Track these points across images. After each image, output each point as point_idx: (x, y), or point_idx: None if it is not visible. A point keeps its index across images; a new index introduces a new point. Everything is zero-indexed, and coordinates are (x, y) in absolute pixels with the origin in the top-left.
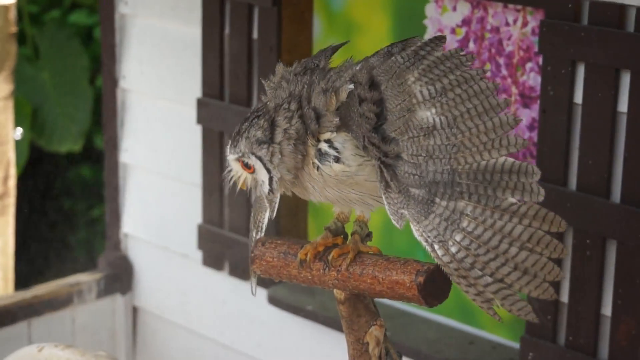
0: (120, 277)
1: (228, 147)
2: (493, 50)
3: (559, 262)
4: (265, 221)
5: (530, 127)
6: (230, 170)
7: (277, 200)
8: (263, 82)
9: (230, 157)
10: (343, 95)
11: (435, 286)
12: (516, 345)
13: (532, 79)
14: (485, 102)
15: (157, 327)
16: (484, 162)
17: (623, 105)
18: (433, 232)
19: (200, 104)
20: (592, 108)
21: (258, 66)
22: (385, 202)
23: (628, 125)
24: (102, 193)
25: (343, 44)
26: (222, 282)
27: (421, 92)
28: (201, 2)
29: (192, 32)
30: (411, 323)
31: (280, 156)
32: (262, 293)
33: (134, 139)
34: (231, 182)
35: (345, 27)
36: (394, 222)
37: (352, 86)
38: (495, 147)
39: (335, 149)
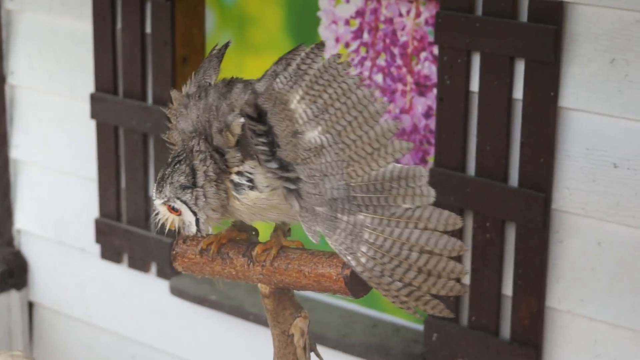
0: (15, 273)
1: (154, 191)
2: (387, 41)
3: (459, 258)
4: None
5: (426, 115)
6: (157, 213)
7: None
8: (163, 110)
9: (157, 201)
10: (237, 130)
11: (360, 277)
12: (419, 327)
13: (427, 67)
14: (364, 111)
15: (54, 322)
16: (374, 172)
17: (518, 93)
18: (343, 245)
19: (93, 98)
20: (489, 96)
21: (152, 60)
22: (300, 221)
23: (524, 111)
24: None
25: (225, 46)
26: (121, 275)
27: (305, 112)
28: None
29: (83, 27)
30: (315, 308)
31: (204, 199)
32: (164, 284)
33: (25, 135)
34: (159, 224)
35: (238, 20)
36: (311, 238)
37: (242, 120)
38: (382, 155)
39: (246, 177)
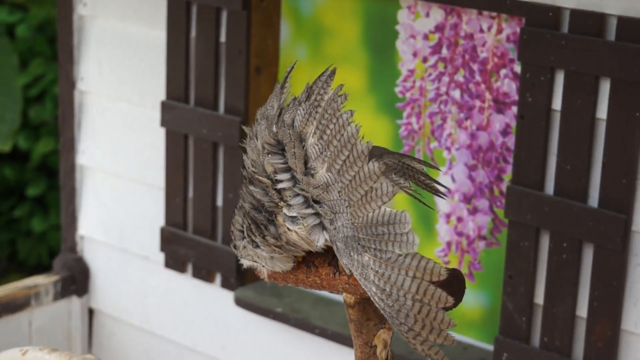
0: (76, 280)
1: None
2: (467, 57)
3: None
4: None
5: (504, 133)
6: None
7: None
8: (235, 119)
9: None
10: (269, 169)
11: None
12: (488, 346)
13: (507, 85)
14: (353, 150)
15: (114, 330)
16: (370, 214)
17: (602, 112)
18: (361, 281)
19: (164, 106)
20: (571, 114)
21: (225, 69)
22: (335, 251)
23: (607, 131)
24: (24, 193)
25: (290, 70)
26: (184, 284)
27: (315, 147)
28: (166, 5)
29: (156, 35)
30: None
31: (253, 248)
32: (229, 295)
33: (92, 140)
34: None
35: (313, 32)
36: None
37: (270, 157)
38: (372, 198)
39: (297, 208)
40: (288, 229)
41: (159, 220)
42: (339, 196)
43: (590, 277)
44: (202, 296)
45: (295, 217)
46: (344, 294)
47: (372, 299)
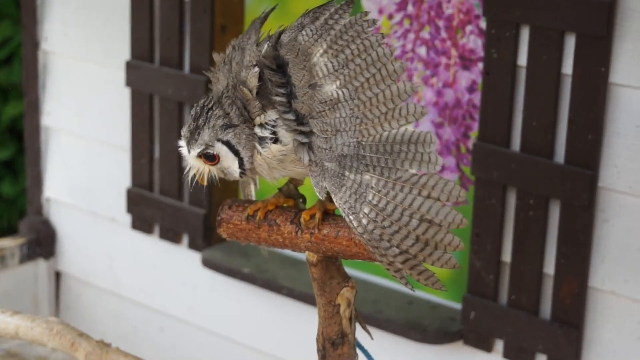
0: (43, 242)
1: (185, 146)
2: (432, 13)
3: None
4: (253, 193)
5: (470, 89)
6: (189, 169)
7: (256, 177)
8: (206, 73)
9: (192, 153)
10: (253, 81)
11: None
12: (456, 305)
13: (472, 41)
14: (383, 69)
15: (81, 292)
16: (385, 133)
17: (568, 68)
18: (347, 204)
19: (129, 66)
20: (537, 70)
21: (190, 29)
22: (310, 175)
23: (573, 87)
24: None
25: (271, 10)
26: (152, 245)
27: (326, 65)
28: None
29: None
30: None
31: (244, 136)
32: (196, 256)
33: (57, 102)
34: (193, 181)
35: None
36: (317, 194)
37: (257, 70)
38: (395, 117)
39: (269, 130)
40: (259, 152)
41: (125, 181)
42: (351, 113)
43: (557, 234)
44: (170, 258)
45: (264, 138)
46: (307, 252)
47: (350, 224)
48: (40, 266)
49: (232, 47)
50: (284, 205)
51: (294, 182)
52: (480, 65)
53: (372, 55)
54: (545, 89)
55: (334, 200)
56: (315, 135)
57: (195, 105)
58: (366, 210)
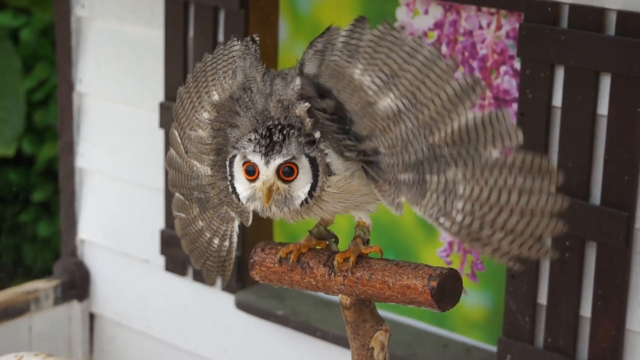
0: (77, 284)
1: (262, 158)
2: (466, 54)
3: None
4: (237, 229)
5: None
6: (262, 183)
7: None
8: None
9: (274, 163)
10: (304, 116)
11: (447, 290)
12: (491, 347)
13: (507, 82)
14: (435, 69)
15: (115, 334)
16: (456, 124)
17: (603, 108)
18: (435, 208)
19: (163, 107)
20: (572, 111)
21: None
22: (380, 197)
23: (608, 127)
24: (29, 198)
25: (253, 41)
26: (185, 287)
27: (373, 82)
28: (164, 4)
29: (153, 35)
30: None
31: (322, 157)
32: (229, 298)
33: (91, 143)
34: (256, 202)
35: (312, 30)
36: (393, 212)
37: (307, 104)
38: (458, 109)
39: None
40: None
41: (159, 222)
42: (416, 121)
43: (594, 276)
44: (203, 299)
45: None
46: (340, 295)
47: (440, 228)
48: (75, 308)
49: (243, 90)
50: (317, 247)
51: (324, 223)
52: (515, 105)
53: (418, 58)
54: (580, 130)
55: (416, 210)
56: (381, 155)
57: (252, 132)
58: (459, 205)
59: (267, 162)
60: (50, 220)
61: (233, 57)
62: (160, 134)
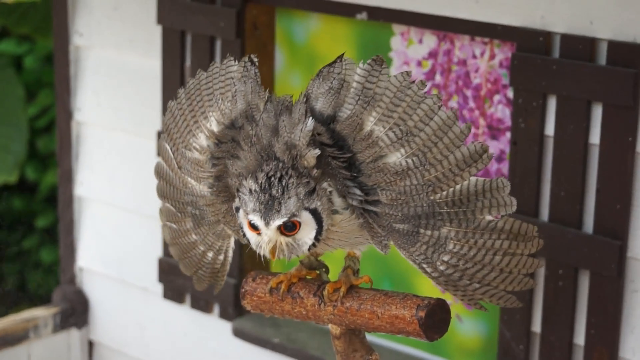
0: (76, 312)
1: (261, 219)
2: (460, 83)
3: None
4: (232, 245)
5: (498, 159)
6: (267, 243)
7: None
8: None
9: (274, 224)
10: (312, 162)
11: (435, 320)
12: None
13: (500, 111)
14: (449, 132)
15: None
16: (458, 187)
17: (595, 137)
18: (420, 256)
19: (160, 136)
20: (564, 140)
21: None
22: (370, 238)
23: (600, 156)
24: (33, 225)
25: (252, 63)
26: (183, 315)
27: (387, 135)
28: (161, 34)
29: (151, 64)
30: (379, 354)
31: (325, 202)
32: (227, 326)
33: (90, 171)
34: (264, 253)
35: (308, 60)
36: (380, 251)
37: (317, 151)
38: (464, 175)
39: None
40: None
41: (157, 250)
42: (422, 179)
43: (587, 304)
44: (201, 327)
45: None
46: (330, 325)
47: (421, 270)
48: (73, 335)
49: (246, 119)
50: (307, 277)
51: (314, 254)
52: (508, 134)
53: (434, 119)
54: (572, 159)
55: (402, 253)
56: (382, 204)
57: (251, 179)
58: (445, 258)
59: (267, 223)
60: (54, 247)
61: (231, 78)
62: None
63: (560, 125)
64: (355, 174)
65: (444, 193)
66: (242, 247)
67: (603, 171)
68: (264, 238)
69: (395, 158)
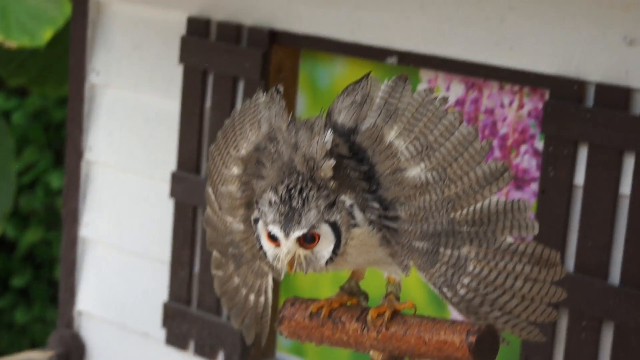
0: (71, 356)
1: (281, 230)
2: (487, 132)
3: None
4: (271, 283)
5: None
6: (285, 254)
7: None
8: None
9: (293, 235)
10: (328, 173)
11: (484, 346)
12: None
13: (526, 161)
14: (470, 148)
15: None
16: (479, 205)
17: (626, 187)
18: (441, 279)
19: (175, 177)
20: (594, 189)
21: None
22: (391, 255)
23: (630, 206)
24: (8, 283)
25: (277, 91)
26: None
27: (407, 149)
28: (182, 74)
29: (169, 104)
30: None
31: (345, 216)
32: None
33: (97, 212)
34: (281, 265)
35: (329, 104)
36: (400, 272)
37: (333, 161)
38: (484, 193)
39: (349, 213)
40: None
41: (161, 295)
42: (442, 195)
43: (610, 357)
44: None
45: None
46: (371, 351)
47: (441, 295)
48: None
49: (269, 140)
50: (348, 304)
51: (356, 277)
52: (533, 185)
53: (455, 134)
54: (602, 209)
55: (421, 275)
56: (401, 220)
57: (270, 191)
58: (466, 281)
59: (286, 235)
60: (28, 307)
61: (257, 106)
62: (170, 204)
63: (590, 174)
64: (374, 187)
65: (464, 211)
66: None
67: (633, 221)
68: (282, 249)
69: (415, 172)
